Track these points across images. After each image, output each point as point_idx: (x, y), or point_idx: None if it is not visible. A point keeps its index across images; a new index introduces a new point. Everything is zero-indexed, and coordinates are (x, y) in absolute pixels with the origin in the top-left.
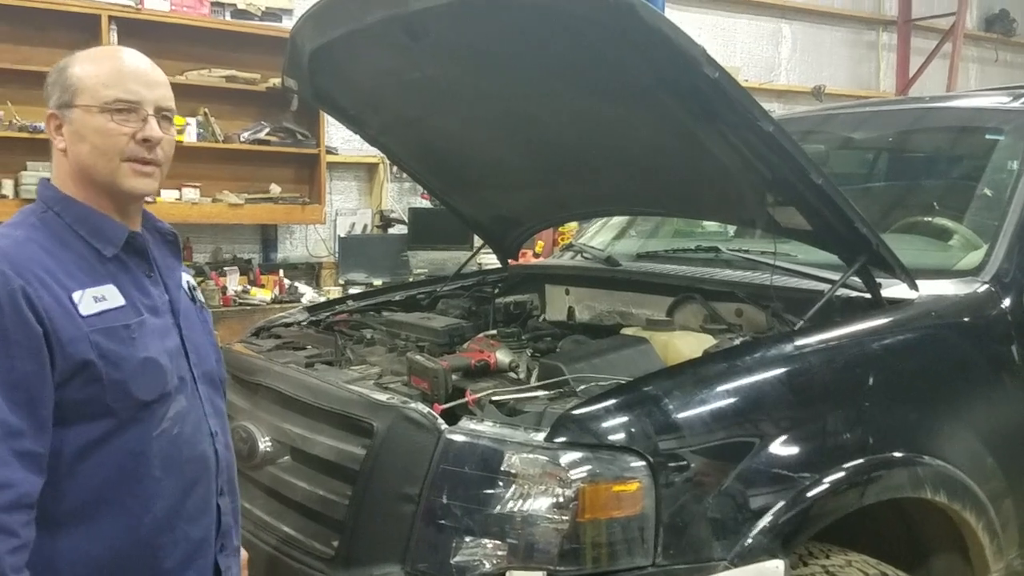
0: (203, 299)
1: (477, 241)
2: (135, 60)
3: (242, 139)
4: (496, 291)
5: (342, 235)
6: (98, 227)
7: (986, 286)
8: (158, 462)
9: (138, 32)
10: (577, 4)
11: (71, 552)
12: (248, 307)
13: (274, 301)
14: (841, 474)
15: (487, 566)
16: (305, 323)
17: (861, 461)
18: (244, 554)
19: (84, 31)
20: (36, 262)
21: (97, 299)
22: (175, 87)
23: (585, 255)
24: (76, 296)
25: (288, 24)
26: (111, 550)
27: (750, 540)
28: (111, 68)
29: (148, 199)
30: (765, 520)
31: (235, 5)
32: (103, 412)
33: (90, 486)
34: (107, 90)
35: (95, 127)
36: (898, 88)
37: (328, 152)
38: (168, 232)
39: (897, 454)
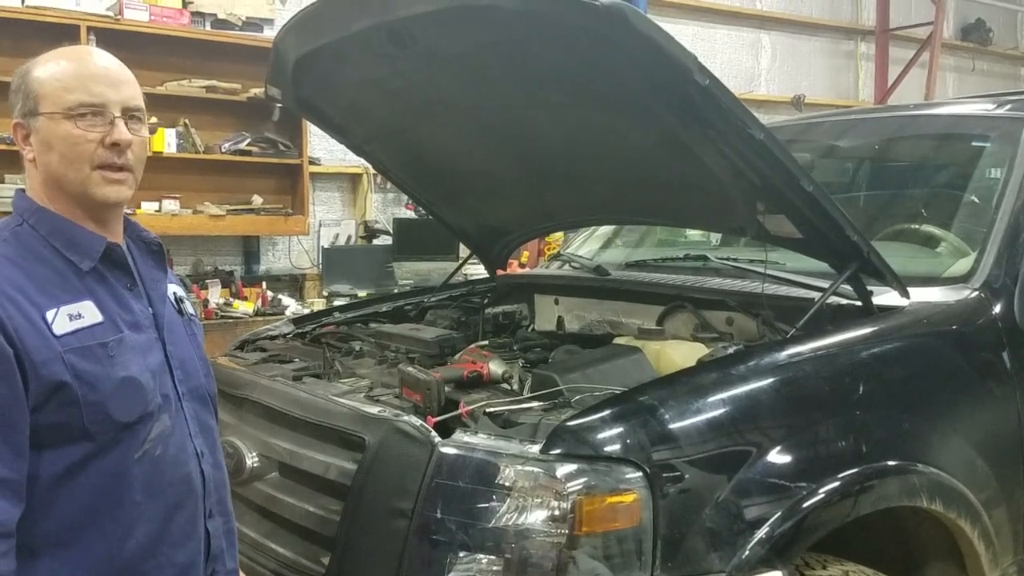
0: (193, 311)
1: (463, 251)
2: (98, 60)
3: (223, 150)
4: (485, 301)
5: (326, 246)
6: (73, 239)
7: (976, 293)
8: (140, 485)
9: (117, 42)
10: (567, 12)
11: None
12: (230, 320)
13: (257, 313)
14: (836, 484)
15: None
16: (291, 336)
17: (856, 470)
18: None
19: (62, 41)
20: (6, 279)
21: (73, 317)
22: (154, 98)
23: (573, 265)
24: (50, 315)
25: (269, 34)
26: None
27: (747, 552)
28: (73, 71)
29: (128, 209)
30: (762, 531)
31: (215, 15)
32: (81, 435)
33: (69, 511)
34: (70, 94)
35: (61, 135)
36: (877, 97)
37: (311, 162)
38: (153, 242)
39: (891, 462)
